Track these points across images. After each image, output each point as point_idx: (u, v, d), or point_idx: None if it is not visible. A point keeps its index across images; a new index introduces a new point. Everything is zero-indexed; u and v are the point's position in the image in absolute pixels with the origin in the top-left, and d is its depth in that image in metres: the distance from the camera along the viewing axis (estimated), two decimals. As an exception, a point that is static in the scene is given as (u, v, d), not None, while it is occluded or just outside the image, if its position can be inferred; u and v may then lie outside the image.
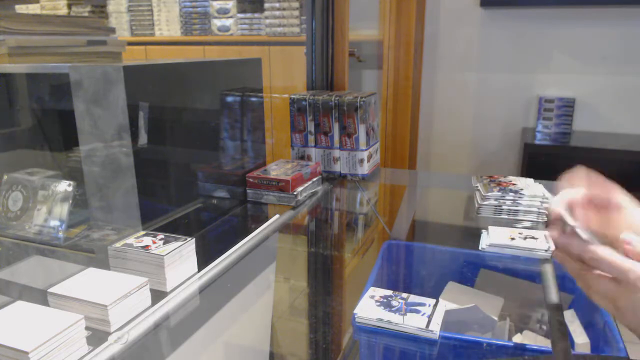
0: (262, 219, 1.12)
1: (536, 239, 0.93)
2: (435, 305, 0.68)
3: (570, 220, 0.53)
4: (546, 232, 0.69)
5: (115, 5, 3.11)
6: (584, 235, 0.51)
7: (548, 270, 0.85)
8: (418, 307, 0.67)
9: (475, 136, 2.74)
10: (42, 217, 0.93)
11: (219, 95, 1.12)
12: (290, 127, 1.43)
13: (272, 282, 0.97)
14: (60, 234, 0.91)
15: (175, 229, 0.96)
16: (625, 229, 0.51)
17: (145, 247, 0.77)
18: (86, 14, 3.16)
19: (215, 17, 2.89)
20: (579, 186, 0.59)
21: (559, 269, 0.87)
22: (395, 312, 0.66)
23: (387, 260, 0.93)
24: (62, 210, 0.92)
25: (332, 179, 1.42)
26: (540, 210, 1.08)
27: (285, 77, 2.71)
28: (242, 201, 1.21)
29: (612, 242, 0.52)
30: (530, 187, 1.15)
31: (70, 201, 0.92)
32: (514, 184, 1.17)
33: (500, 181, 1.20)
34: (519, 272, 0.90)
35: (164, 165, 0.97)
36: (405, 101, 2.59)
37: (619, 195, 0.56)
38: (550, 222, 0.56)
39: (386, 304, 0.68)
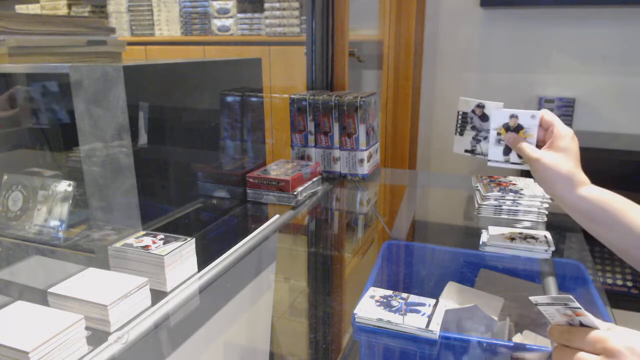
0: (262, 219, 1.12)
1: (536, 239, 0.93)
2: (435, 305, 0.68)
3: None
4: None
5: (115, 5, 3.11)
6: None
7: (548, 270, 0.85)
8: (418, 307, 0.67)
9: (475, 136, 2.74)
10: (42, 217, 0.93)
11: (219, 95, 1.12)
12: (290, 127, 1.43)
13: (272, 282, 0.97)
14: (60, 234, 0.91)
15: (175, 229, 0.96)
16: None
17: (145, 247, 0.77)
18: (86, 14, 3.16)
19: (215, 17, 2.89)
20: None
21: (559, 269, 0.87)
22: (395, 312, 0.66)
23: (387, 260, 0.93)
24: (62, 210, 0.92)
25: (332, 179, 1.42)
26: (540, 210, 1.08)
27: (285, 77, 2.70)
28: (242, 201, 1.21)
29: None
30: (530, 187, 1.15)
31: (70, 201, 0.92)
32: (514, 184, 1.17)
33: (500, 181, 1.20)
34: (519, 272, 0.90)
35: (164, 165, 0.97)
36: (405, 101, 2.59)
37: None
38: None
39: (386, 304, 0.68)
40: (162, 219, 0.96)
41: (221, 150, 1.15)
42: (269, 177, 1.19)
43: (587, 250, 0.95)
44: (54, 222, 0.92)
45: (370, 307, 0.67)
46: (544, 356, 0.58)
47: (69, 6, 3.16)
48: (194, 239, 0.81)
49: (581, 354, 0.48)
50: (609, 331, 0.48)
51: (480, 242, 0.95)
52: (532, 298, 0.52)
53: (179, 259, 0.78)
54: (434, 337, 0.62)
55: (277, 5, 2.71)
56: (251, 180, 1.21)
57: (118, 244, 0.78)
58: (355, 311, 0.66)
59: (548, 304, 0.50)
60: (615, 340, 0.46)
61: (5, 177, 0.99)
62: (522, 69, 2.56)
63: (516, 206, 1.09)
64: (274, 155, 1.71)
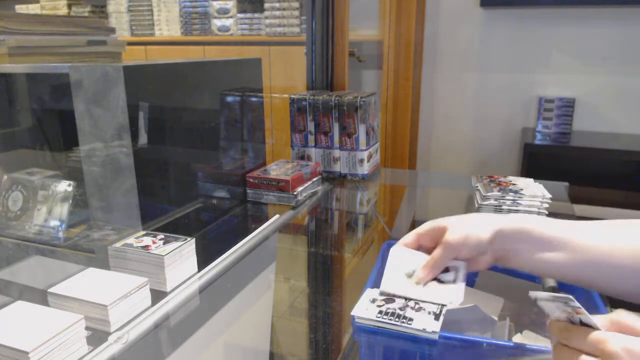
0: (262, 219, 1.12)
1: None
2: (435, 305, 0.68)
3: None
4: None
5: (115, 5, 3.11)
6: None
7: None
8: (418, 307, 0.67)
9: (475, 136, 2.74)
10: (42, 217, 0.93)
11: (219, 95, 1.12)
12: (290, 127, 1.43)
13: (272, 282, 0.97)
14: (60, 234, 0.91)
15: (175, 229, 0.96)
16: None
17: (145, 247, 0.77)
18: (86, 14, 3.16)
19: (215, 17, 2.89)
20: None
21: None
22: (395, 312, 0.66)
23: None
24: (62, 210, 0.92)
25: (332, 179, 1.42)
26: (540, 211, 1.08)
27: (285, 77, 2.71)
28: (242, 201, 1.21)
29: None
30: (530, 187, 1.15)
31: (70, 201, 0.92)
32: (514, 184, 1.17)
33: (500, 181, 1.20)
34: (519, 272, 0.90)
35: (164, 165, 0.97)
36: (405, 101, 2.59)
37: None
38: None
39: (386, 304, 0.68)
40: (162, 219, 0.96)
41: (221, 150, 1.15)
42: (269, 177, 1.19)
43: (587, 250, 0.95)
44: (54, 222, 0.92)
45: (370, 308, 0.67)
46: None
47: (69, 6, 3.16)
48: (194, 239, 0.81)
49: (582, 357, 0.48)
50: (609, 332, 0.48)
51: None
52: (531, 293, 0.52)
53: (179, 259, 0.78)
54: (434, 337, 0.62)
55: (277, 5, 2.71)
56: (251, 180, 1.21)
57: (118, 244, 0.78)
58: (354, 311, 0.66)
59: (548, 300, 0.50)
60: (614, 342, 0.46)
61: (5, 177, 0.99)
62: (522, 69, 2.56)
63: (516, 206, 1.09)
64: (274, 155, 1.71)
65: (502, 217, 0.65)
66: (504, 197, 1.10)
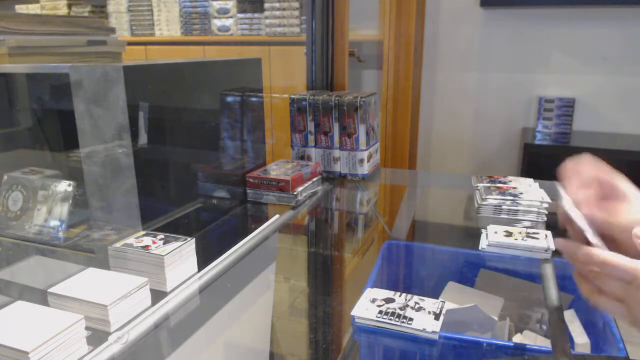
0: (262, 219, 1.12)
1: (536, 238, 0.93)
2: (436, 305, 0.68)
3: (582, 225, 0.53)
4: (548, 233, 0.71)
5: (115, 5, 3.11)
6: (593, 240, 0.52)
7: (548, 270, 0.85)
8: (418, 307, 0.67)
9: (475, 136, 2.74)
10: (42, 217, 0.93)
11: (219, 95, 1.12)
12: (290, 127, 1.43)
13: (272, 282, 0.97)
14: (60, 234, 0.91)
15: (175, 229, 0.96)
16: (630, 219, 0.52)
17: (145, 247, 0.77)
18: (86, 14, 3.16)
19: (215, 17, 2.89)
20: (584, 174, 0.59)
21: (559, 269, 0.87)
22: (395, 312, 0.66)
23: (387, 260, 0.93)
24: (62, 210, 0.92)
25: (332, 179, 1.42)
26: (540, 210, 1.08)
27: (285, 77, 2.70)
28: (242, 201, 1.21)
29: (617, 233, 0.53)
30: (530, 193, 1.14)
31: (70, 201, 0.92)
32: (514, 188, 1.17)
33: (500, 184, 1.20)
34: (519, 272, 0.90)
35: (164, 165, 0.97)
36: (405, 101, 2.59)
37: (625, 184, 0.56)
38: (560, 224, 0.56)
39: (386, 304, 0.68)
40: (162, 219, 0.96)
41: (221, 150, 1.15)
42: (269, 177, 1.19)
43: (587, 250, 0.95)
44: (54, 222, 0.92)
45: (370, 308, 0.67)
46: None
47: (69, 6, 3.16)
48: (194, 239, 0.81)
49: (610, 282, 0.50)
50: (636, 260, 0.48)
51: (480, 242, 0.95)
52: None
53: (179, 259, 0.78)
54: (434, 337, 0.62)
55: (277, 5, 2.71)
56: (251, 180, 1.21)
57: (118, 244, 0.78)
58: (355, 311, 0.66)
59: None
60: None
61: (5, 177, 0.99)
62: (522, 69, 2.56)
63: (516, 206, 1.09)
64: (274, 155, 1.71)
65: None
66: (504, 197, 1.10)
